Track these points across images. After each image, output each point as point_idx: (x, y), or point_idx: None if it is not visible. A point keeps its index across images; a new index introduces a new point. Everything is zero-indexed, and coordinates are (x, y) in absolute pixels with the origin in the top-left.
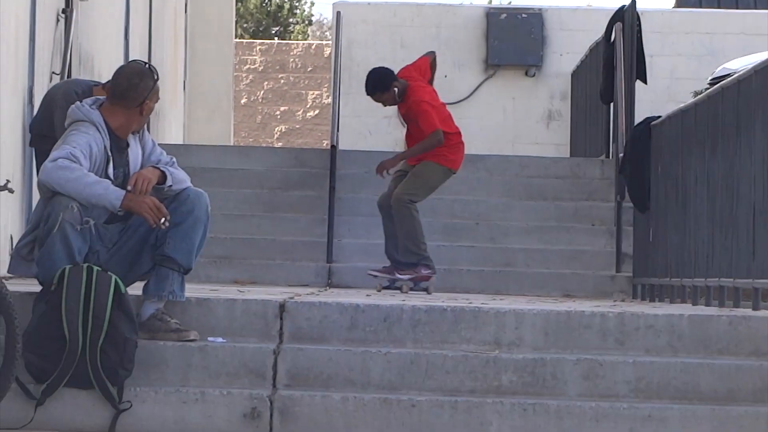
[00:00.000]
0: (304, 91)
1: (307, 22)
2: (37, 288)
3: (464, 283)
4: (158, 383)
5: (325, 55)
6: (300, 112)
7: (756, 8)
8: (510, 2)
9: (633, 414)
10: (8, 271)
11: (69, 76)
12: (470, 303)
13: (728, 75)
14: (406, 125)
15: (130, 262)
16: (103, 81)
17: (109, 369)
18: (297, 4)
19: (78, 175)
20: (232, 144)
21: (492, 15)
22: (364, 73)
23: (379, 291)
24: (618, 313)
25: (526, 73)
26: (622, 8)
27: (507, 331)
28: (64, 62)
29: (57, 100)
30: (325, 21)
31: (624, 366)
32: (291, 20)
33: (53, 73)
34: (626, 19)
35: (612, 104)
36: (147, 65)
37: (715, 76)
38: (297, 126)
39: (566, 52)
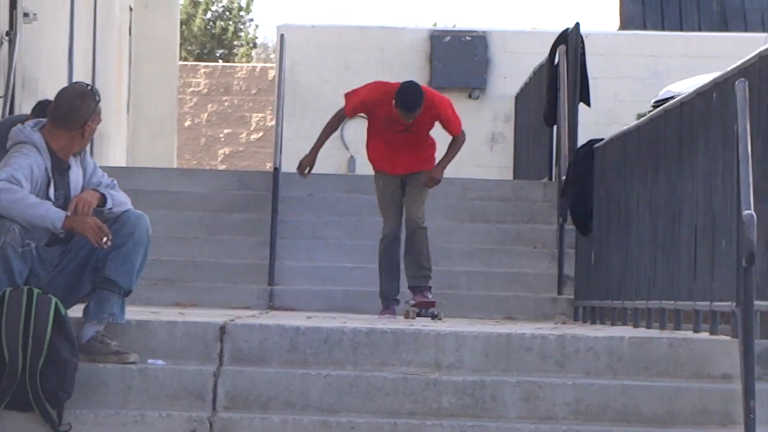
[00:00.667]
0: (248, 114)
1: (251, 44)
2: None
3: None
4: (98, 405)
5: (270, 78)
6: (244, 135)
7: (700, 30)
8: (454, 25)
9: None
10: None
11: (13, 98)
12: (411, 325)
13: (672, 97)
14: (392, 130)
15: (70, 284)
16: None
17: (49, 392)
18: (241, 27)
19: (19, 196)
20: (175, 166)
21: (436, 38)
22: (308, 95)
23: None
24: (558, 335)
25: (470, 96)
26: (566, 31)
27: (447, 353)
28: (8, 84)
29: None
30: (269, 43)
31: (564, 388)
32: (235, 43)
33: None
34: (570, 42)
35: (555, 127)
36: (89, 86)
37: (658, 98)
38: (241, 148)
39: (510, 75)
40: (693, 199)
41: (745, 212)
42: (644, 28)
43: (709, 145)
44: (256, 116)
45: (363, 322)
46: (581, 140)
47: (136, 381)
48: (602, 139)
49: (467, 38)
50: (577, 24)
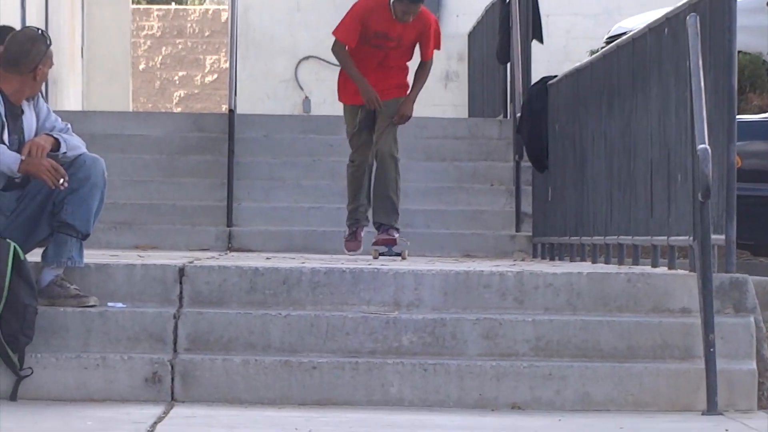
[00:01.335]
0: (202, 56)
1: None
2: None
3: (365, 245)
4: (59, 349)
5: (223, 20)
6: (198, 77)
7: None
8: None
9: (533, 372)
10: None
11: None
12: (369, 264)
13: (624, 33)
14: (383, 50)
15: (28, 229)
16: None
17: (10, 336)
18: None
19: None
20: (130, 110)
21: None
22: (261, 37)
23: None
24: (517, 272)
25: None
26: None
27: (406, 291)
28: None
29: None
30: None
31: (523, 325)
32: None
33: None
34: None
35: (509, 64)
36: (39, 31)
37: (611, 34)
38: (196, 91)
39: (463, 13)
40: (647, 134)
41: (700, 146)
42: None
43: (662, 81)
44: (210, 58)
45: (322, 261)
46: (535, 77)
47: (97, 324)
48: (556, 76)
49: None
50: None
